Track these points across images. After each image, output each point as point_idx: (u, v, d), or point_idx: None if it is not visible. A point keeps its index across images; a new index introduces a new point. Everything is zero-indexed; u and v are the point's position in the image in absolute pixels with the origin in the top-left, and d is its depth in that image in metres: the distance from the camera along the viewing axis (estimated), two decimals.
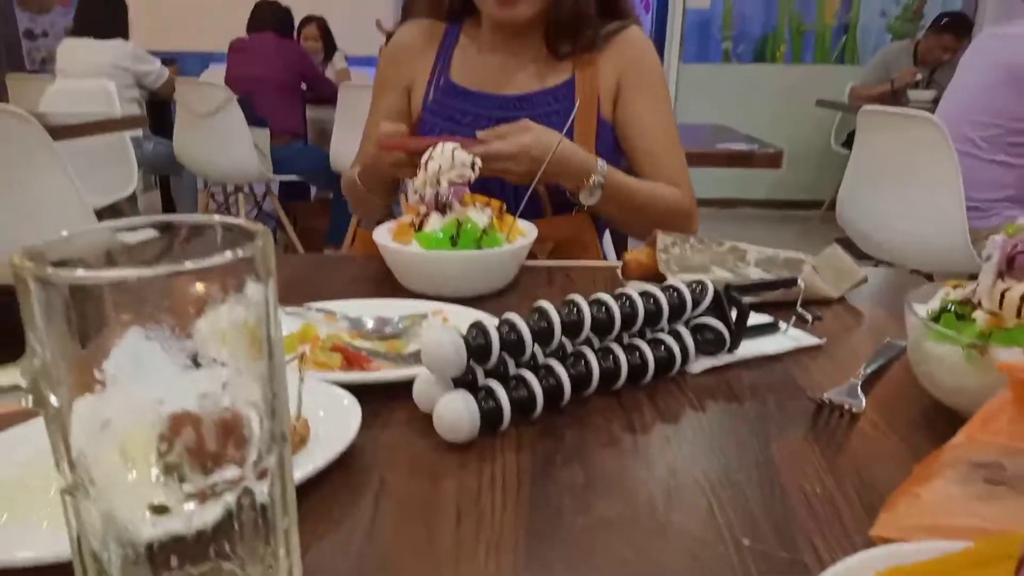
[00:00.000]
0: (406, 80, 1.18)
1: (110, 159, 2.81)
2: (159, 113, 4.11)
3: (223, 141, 3.35)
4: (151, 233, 0.30)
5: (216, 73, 4.26)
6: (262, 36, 3.69)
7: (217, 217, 0.30)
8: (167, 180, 4.19)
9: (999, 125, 2.11)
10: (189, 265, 0.25)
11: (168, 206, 4.38)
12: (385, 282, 0.86)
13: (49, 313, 0.25)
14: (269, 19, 3.76)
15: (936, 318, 0.55)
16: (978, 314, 0.52)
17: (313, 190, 4.39)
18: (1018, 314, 0.50)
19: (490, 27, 1.14)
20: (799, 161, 4.93)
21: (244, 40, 3.75)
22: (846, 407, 0.56)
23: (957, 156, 2.05)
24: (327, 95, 3.75)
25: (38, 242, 0.27)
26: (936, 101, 3.57)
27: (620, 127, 1.13)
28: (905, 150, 2.21)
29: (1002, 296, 0.51)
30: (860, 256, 2.75)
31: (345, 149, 3.43)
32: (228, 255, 0.26)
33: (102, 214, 2.61)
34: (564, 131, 0.96)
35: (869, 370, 0.62)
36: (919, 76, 4.12)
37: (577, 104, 1.06)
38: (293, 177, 3.73)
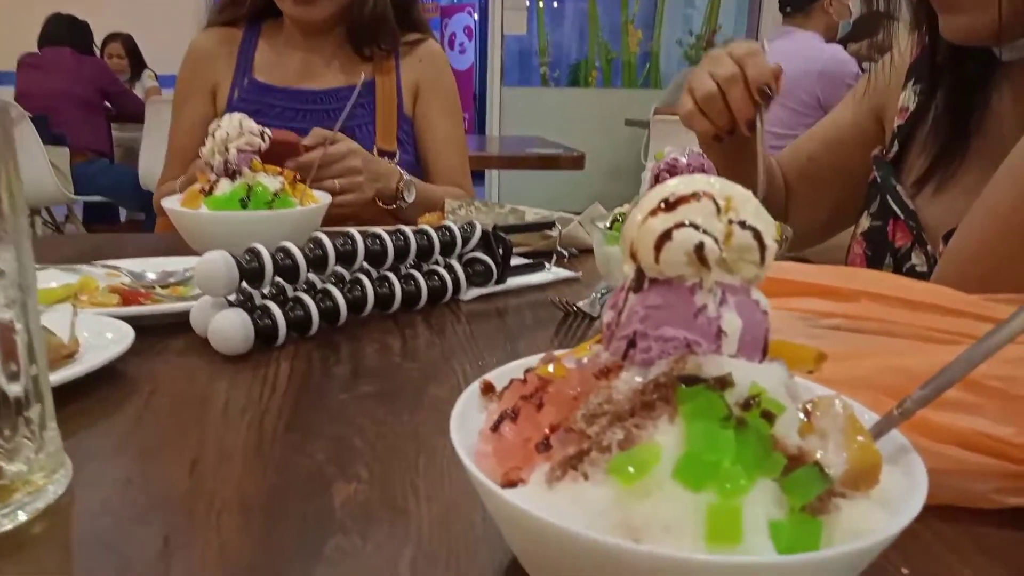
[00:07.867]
0: (209, 84, 1.20)
1: None
2: None
3: None
4: None
5: (4, 92, 3.90)
6: (58, 51, 3.44)
7: None
8: None
9: (770, 132, 2.45)
10: None
11: None
12: (180, 250, 0.87)
13: None
14: (65, 33, 3.51)
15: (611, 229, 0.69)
16: None
17: (123, 213, 4.13)
18: None
19: (292, 25, 1.19)
20: (613, 174, 5.32)
21: (37, 55, 3.47)
22: (586, 312, 0.66)
23: None
24: (133, 113, 3.56)
25: None
26: None
27: (416, 125, 1.23)
28: None
29: None
30: None
31: (155, 167, 3.25)
32: None
33: None
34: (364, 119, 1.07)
35: (606, 287, 0.72)
36: None
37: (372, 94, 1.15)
38: (99, 198, 3.48)
